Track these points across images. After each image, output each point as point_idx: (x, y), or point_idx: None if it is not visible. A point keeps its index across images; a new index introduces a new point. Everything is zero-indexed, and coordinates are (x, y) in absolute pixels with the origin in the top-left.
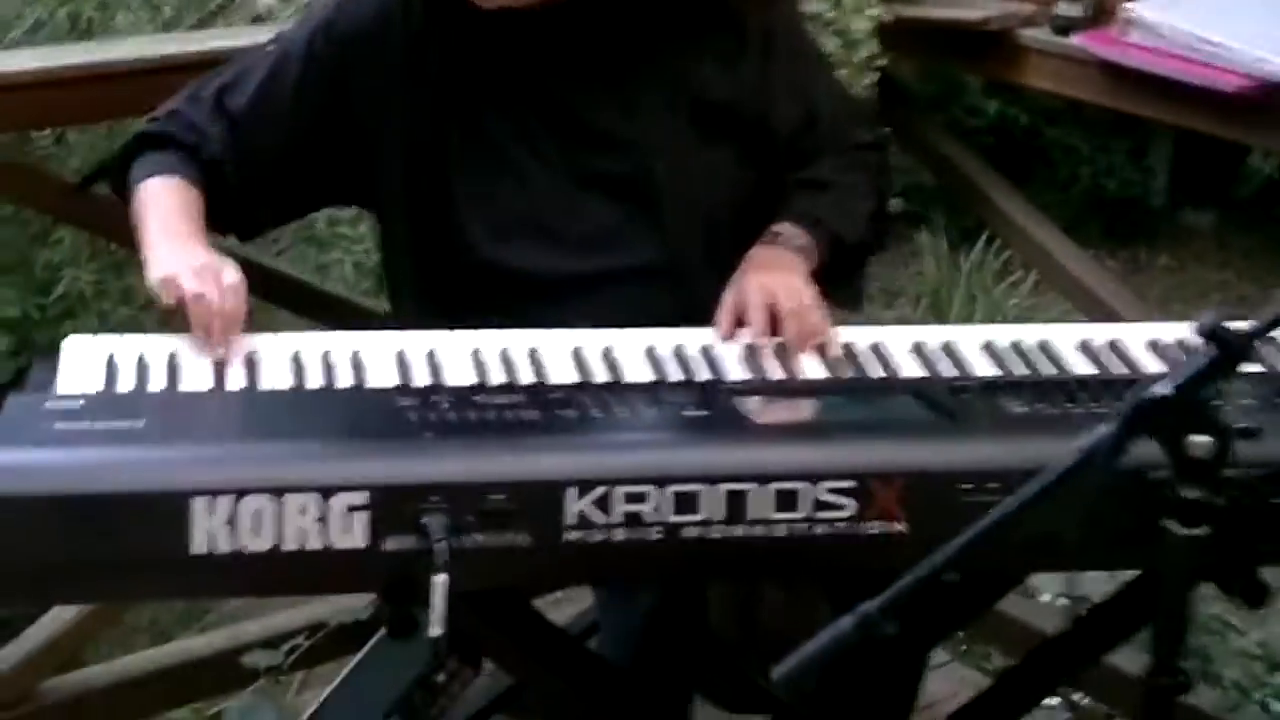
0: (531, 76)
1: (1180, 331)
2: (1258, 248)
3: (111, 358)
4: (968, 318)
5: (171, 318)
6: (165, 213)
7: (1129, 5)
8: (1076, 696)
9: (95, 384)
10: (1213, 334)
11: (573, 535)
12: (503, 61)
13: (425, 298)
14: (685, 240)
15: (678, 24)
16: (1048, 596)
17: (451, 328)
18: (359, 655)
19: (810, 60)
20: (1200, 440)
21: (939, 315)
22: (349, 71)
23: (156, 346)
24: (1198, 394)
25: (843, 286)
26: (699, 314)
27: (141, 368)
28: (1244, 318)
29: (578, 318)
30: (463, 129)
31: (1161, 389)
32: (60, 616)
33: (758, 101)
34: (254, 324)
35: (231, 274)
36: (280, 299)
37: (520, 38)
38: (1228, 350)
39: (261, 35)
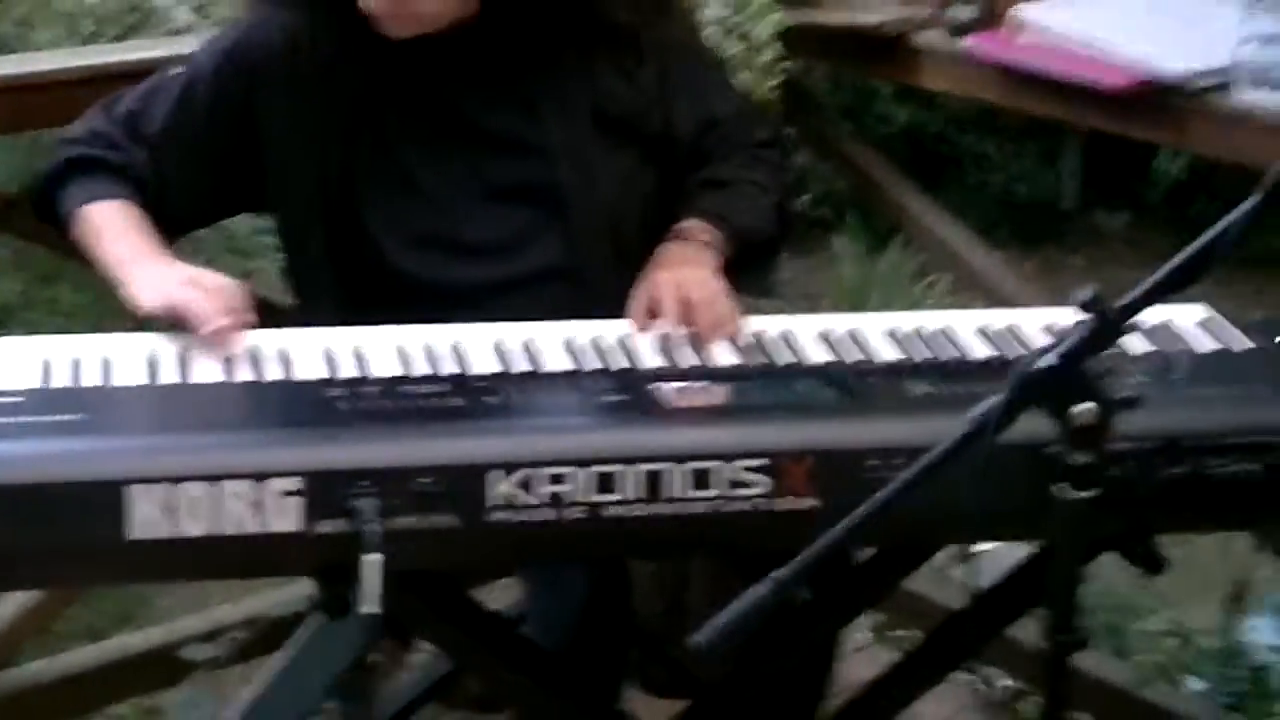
0: (437, 93)
1: (1073, 315)
2: (1170, 247)
3: (47, 359)
4: None
5: (169, 329)
6: (124, 234)
7: (1018, 7)
8: (986, 672)
9: (32, 381)
10: (1091, 305)
11: (498, 516)
12: (409, 80)
13: (340, 305)
14: (591, 242)
15: (577, 39)
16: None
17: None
18: (293, 639)
19: (706, 64)
20: (1085, 408)
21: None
22: (257, 94)
23: (89, 347)
24: (1081, 365)
25: (753, 278)
26: (606, 313)
27: (75, 366)
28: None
29: (491, 321)
30: (372, 147)
31: (1045, 360)
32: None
33: (657, 109)
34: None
35: (218, 278)
36: None
37: (426, 56)
38: (1106, 321)
39: (180, 47)
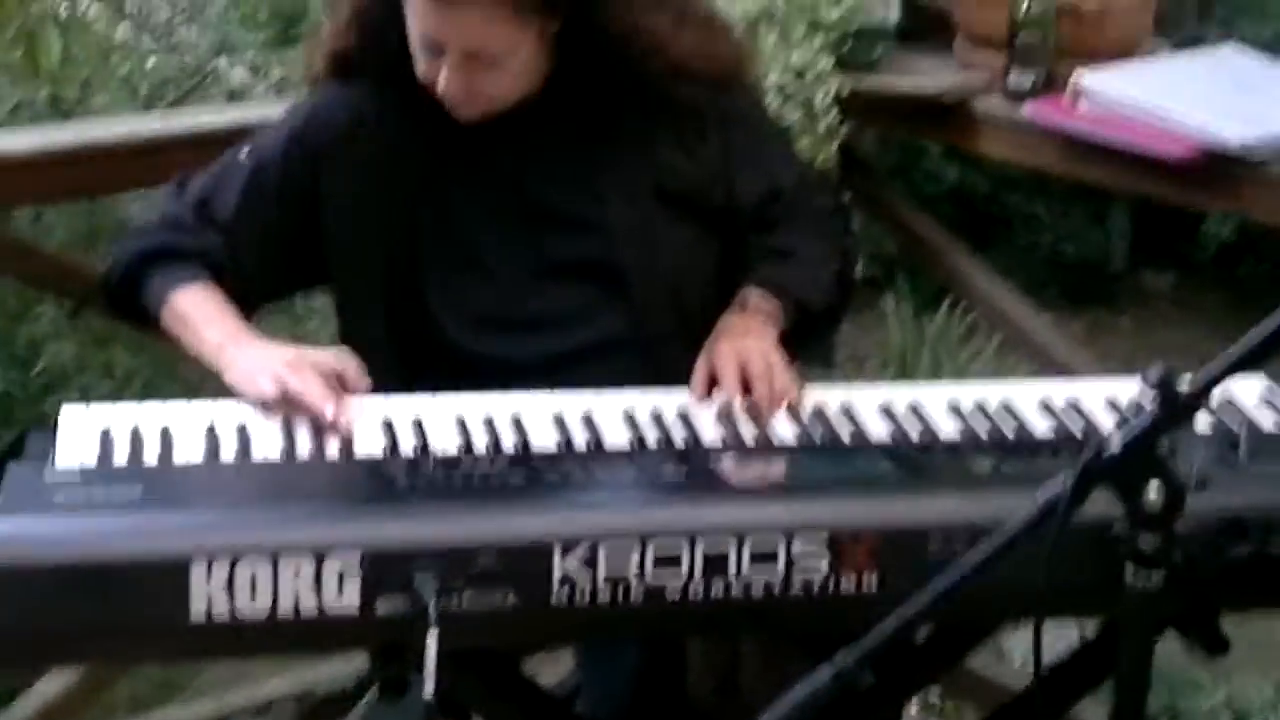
0: (498, 169)
1: (1135, 388)
2: (1217, 308)
3: (107, 429)
4: (933, 382)
5: (278, 409)
6: (216, 319)
7: (1079, 75)
8: None
9: (92, 454)
10: (1159, 388)
11: (559, 595)
12: (471, 156)
13: (399, 377)
14: (654, 314)
15: (640, 114)
16: (1020, 658)
17: None
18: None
19: (769, 135)
20: (1154, 490)
21: (905, 380)
22: (323, 175)
23: (150, 416)
24: (1148, 447)
25: (813, 348)
26: (671, 381)
27: (136, 438)
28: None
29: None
30: (434, 225)
31: (1114, 444)
32: (45, 691)
33: (720, 182)
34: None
35: (322, 355)
36: None
37: (488, 133)
38: (1174, 404)
39: (237, 113)
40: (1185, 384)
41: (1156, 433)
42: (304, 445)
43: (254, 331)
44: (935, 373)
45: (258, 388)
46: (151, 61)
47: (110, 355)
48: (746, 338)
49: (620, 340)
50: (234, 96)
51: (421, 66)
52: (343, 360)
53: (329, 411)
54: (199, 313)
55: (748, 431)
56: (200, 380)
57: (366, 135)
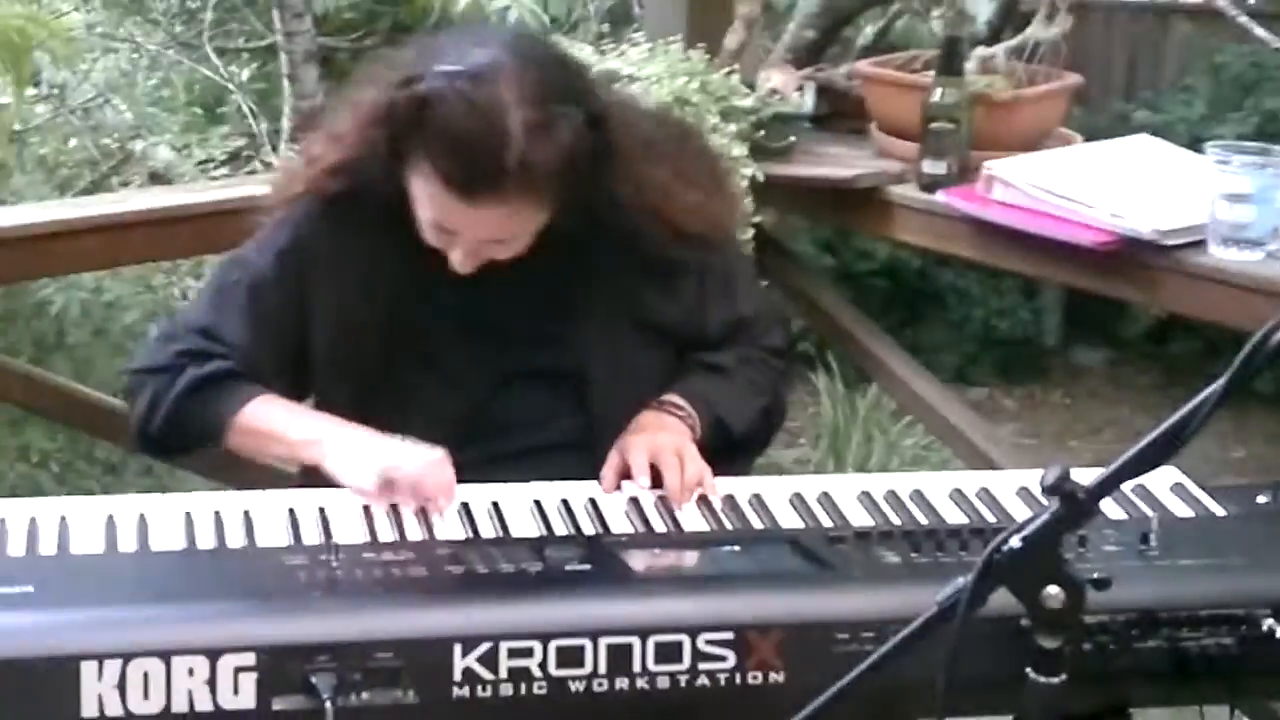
0: (476, 288)
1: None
2: (1149, 384)
3: (2, 521)
4: (865, 457)
5: (378, 497)
6: (294, 419)
7: (990, 164)
8: None
9: None
10: (1057, 489)
11: (460, 691)
12: (452, 278)
13: None
14: (609, 417)
15: (625, 257)
16: None
17: None
18: None
19: (742, 273)
20: (1053, 591)
21: (837, 455)
22: (310, 290)
23: (46, 509)
24: (1048, 547)
25: (726, 473)
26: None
27: (32, 530)
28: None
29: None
30: (407, 338)
31: (1013, 543)
32: None
33: (694, 318)
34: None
35: (419, 451)
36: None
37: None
38: (1073, 505)
39: (160, 199)
40: (1085, 484)
41: (1055, 533)
42: (205, 536)
43: (340, 422)
44: (866, 448)
45: (362, 482)
46: (73, 142)
47: (26, 438)
48: (659, 432)
49: (574, 443)
50: (156, 177)
51: (429, 236)
52: (442, 463)
53: (441, 503)
54: (273, 417)
55: (657, 522)
56: (120, 462)
57: (349, 251)
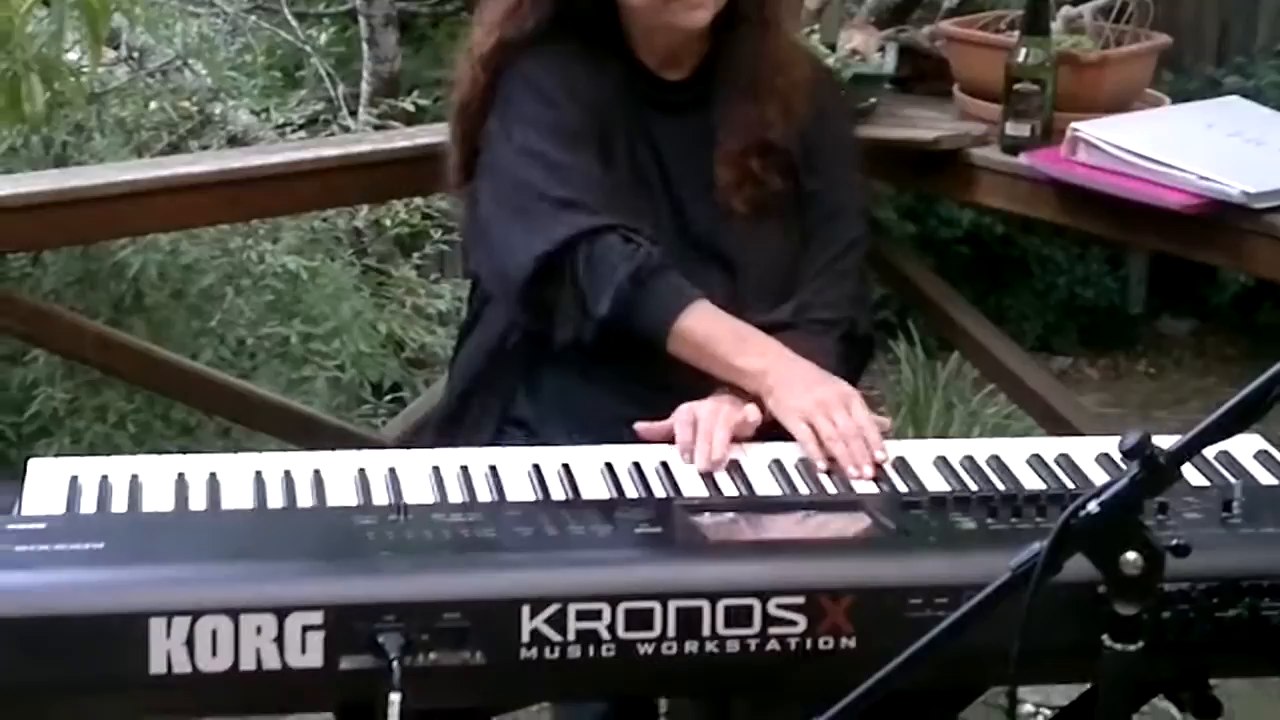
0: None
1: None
2: (1235, 354)
3: (75, 479)
4: (945, 426)
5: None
6: (739, 341)
7: (1075, 125)
8: None
9: (58, 506)
10: (1137, 453)
11: (527, 653)
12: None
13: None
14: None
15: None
16: (1029, 707)
17: None
18: None
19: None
20: (1131, 557)
21: (917, 424)
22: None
23: (119, 467)
24: (1127, 511)
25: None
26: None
27: (104, 489)
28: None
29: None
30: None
31: (1090, 508)
32: None
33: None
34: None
35: (859, 405)
36: (251, 418)
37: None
38: (1153, 469)
39: (234, 160)
40: (1165, 449)
41: (1135, 497)
42: (275, 496)
43: (778, 353)
44: (946, 417)
45: (796, 428)
46: (152, 105)
47: (104, 399)
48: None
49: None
50: (235, 141)
51: None
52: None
53: (853, 473)
54: (719, 337)
55: (728, 485)
56: (196, 424)
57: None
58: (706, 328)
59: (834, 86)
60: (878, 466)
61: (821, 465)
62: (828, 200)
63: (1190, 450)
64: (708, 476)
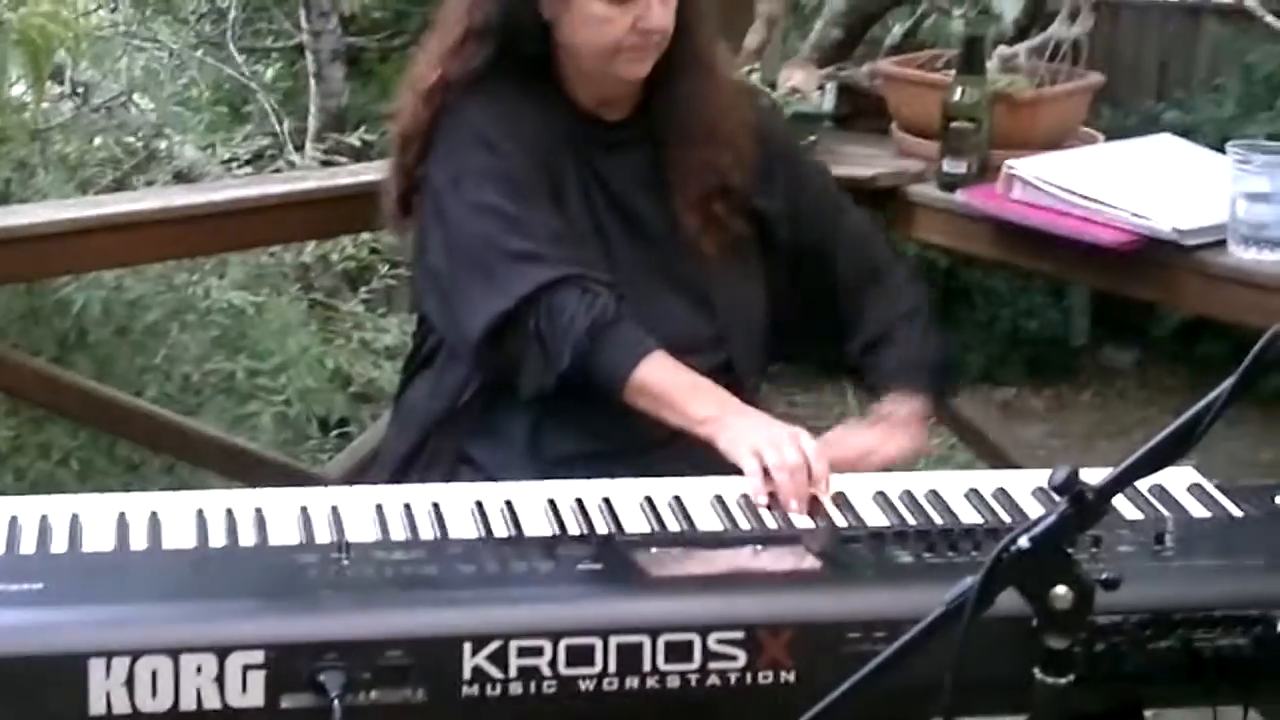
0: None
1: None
2: (1179, 384)
3: (15, 519)
4: None
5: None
6: (694, 391)
7: (1011, 163)
8: None
9: None
10: (1067, 489)
11: (469, 690)
12: (608, 145)
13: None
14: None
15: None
16: None
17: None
18: None
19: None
20: (1061, 591)
21: None
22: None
23: (59, 506)
24: (1057, 546)
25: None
26: None
27: (44, 528)
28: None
29: None
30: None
31: (1021, 543)
32: None
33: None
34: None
35: (808, 441)
36: (196, 455)
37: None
38: (1082, 504)
39: (178, 198)
40: (1094, 484)
41: (1064, 533)
42: (217, 534)
43: (727, 401)
44: None
45: (744, 460)
46: (97, 141)
47: (48, 435)
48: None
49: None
50: (181, 176)
51: (602, 29)
52: (821, 458)
53: (794, 506)
54: (671, 384)
55: (671, 521)
56: (141, 461)
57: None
58: (661, 378)
59: (780, 120)
60: (816, 501)
61: (763, 499)
62: (842, 249)
63: (1119, 485)
64: (650, 512)
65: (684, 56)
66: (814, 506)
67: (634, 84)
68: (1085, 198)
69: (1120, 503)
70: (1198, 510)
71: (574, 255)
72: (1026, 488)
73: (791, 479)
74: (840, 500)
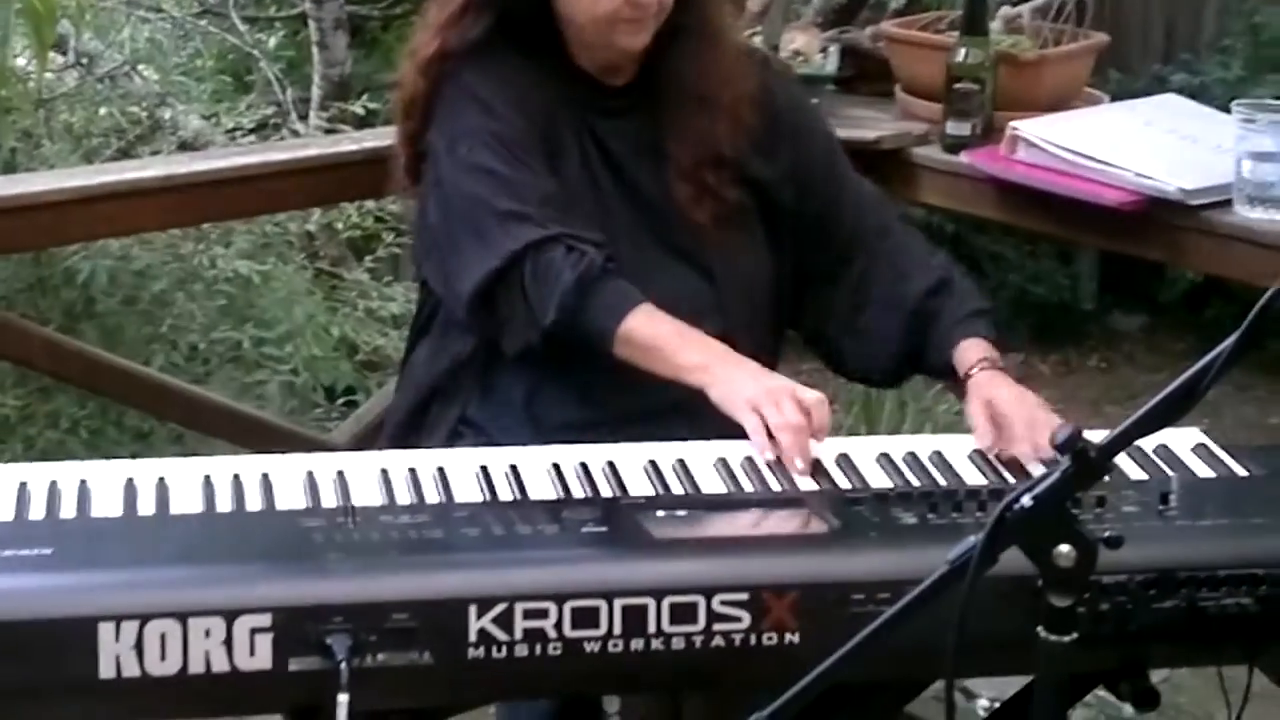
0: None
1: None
2: (1186, 349)
3: (24, 485)
4: (898, 424)
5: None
6: (682, 339)
7: (1015, 124)
8: None
9: (6, 512)
10: (1069, 447)
11: (475, 653)
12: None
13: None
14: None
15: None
16: (984, 702)
17: None
18: None
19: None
20: (1064, 550)
21: (870, 421)
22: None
23: (68, 473)
24: (1060, 504)
25: None
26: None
27: (53, 494)
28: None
29: None
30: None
31: (1023, 501)
32: None
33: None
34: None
35: (805, 393)
36: (203, 423)
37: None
38: (1084, 463)
39: (183, 165)
40: (1096, 442)
41: (1067, 490)
42: (224, 499)
43: (723, 351)
44: (899, 414)
45: (744, 410)
46: (101, 110)
47: (56, 405)
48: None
49: None
50: (185, 146)
51: (597, 1)
52: (816, 402)
53: (798, 464)
54: (662, 336)
55: (675, 484)
56: (149, 430)
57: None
58: (650, 329)
59: (791, 86)
60: (818, 461)
61: (769, 456)
62: (847, 215)
63: (1120, 443)
64: (654, 475)
65: (688, 23)
66: (816, 464)
67: (636, 52)
68: (1090, 158)
69: (1125, 463)
70: (1203, 470)
71: (563, 216)
72: None
73: (795, 438)
74: (844, 462)
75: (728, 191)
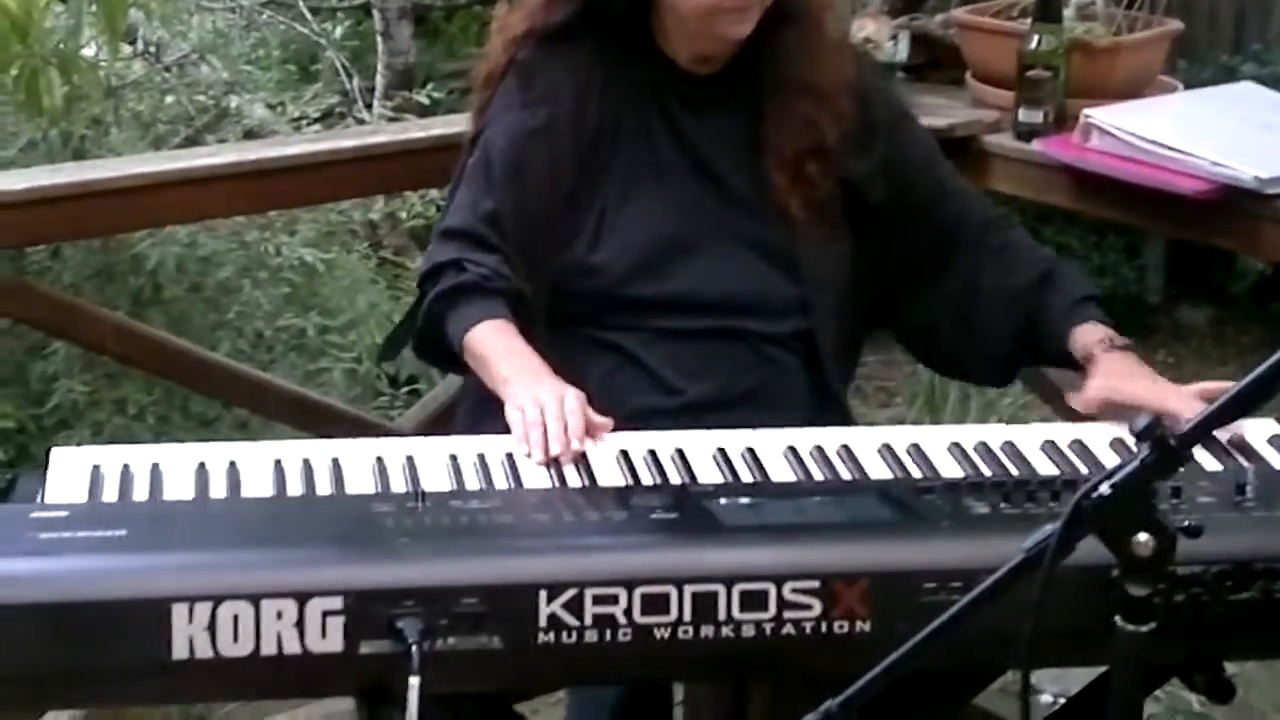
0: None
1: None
2: (1254, 342)
3: (97, 468)
4: (961, 416)
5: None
6: (506, 354)
7: (1088, 112)
8: None
9: (80, 494)
10: (1149, 435)
11: (545, 638)
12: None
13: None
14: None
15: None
16: (1048, 697)
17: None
18: None
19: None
20: (1143, 539)
21: (934, 413)
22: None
23: (140, 456)
24: (1139, 493)
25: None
26: None
27: (126, 477)
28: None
29: None
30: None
31: (1101, 489)
32: None
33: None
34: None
35: (571, 400)
36: (269, 408)
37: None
38: (1164, 451)
39: (251, 152)
40: (1170, 431)
41: (1146, 479)
42: (294, 484)
43: (539, 365)
44: (963, 407)
45: (511, 411)
46: (169, 99)
47: (123, 391)
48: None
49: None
50: (251, 135)
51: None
52: (577, 413)
53: (554, 448)
54: (491, 348)
55: (744, 472)
56: (215, 416)
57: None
58: (484, 342)
59: (888, 83)
60: (584, 456)
61: (525, 450)
62: (949, 212)
63: (1200, 432)
64: (723, 463)
65: (790, 11)
66: (580, 461)
67: (738, 41)
68: (1164, 146)
69: (1200, 454)
70: (1279, 461)
71: (515, 233)
72: (1104, 440)
73: (536, 434)
74: (915, 451)
75: (825, 183)
